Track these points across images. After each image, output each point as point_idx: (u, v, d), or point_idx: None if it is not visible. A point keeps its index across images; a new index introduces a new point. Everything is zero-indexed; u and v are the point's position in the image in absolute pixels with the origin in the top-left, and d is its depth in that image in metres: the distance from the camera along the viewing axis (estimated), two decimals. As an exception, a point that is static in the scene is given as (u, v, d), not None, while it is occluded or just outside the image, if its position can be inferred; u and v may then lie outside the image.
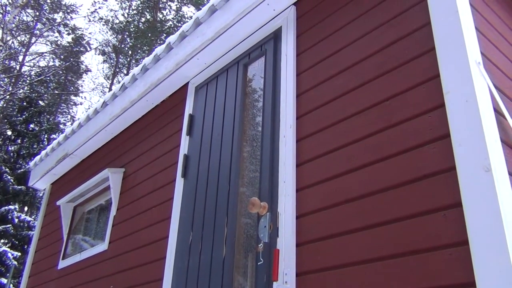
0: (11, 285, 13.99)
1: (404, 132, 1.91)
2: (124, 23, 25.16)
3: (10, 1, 17.93)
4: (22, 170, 15.90)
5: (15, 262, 14.65)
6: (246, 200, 2.58)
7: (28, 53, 21.63)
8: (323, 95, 2.37)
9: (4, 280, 12.84)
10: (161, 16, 25.01)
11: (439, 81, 1.82)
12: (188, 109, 3.44)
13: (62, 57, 23.76)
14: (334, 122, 2.24)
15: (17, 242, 15.90)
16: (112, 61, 25.65)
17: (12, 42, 19.63)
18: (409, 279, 1.66)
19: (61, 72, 23.16)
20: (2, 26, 17.51)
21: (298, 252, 2.11)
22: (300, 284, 2.04)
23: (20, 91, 19.15)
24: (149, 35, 23.42)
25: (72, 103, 25.14)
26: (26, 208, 17.36)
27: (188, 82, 3.61)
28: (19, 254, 15.28)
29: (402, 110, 1.95)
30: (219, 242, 2.58)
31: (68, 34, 23.66)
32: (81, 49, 24.70)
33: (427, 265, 1.62)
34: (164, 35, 23.08)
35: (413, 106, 1.91)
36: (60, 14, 23.39)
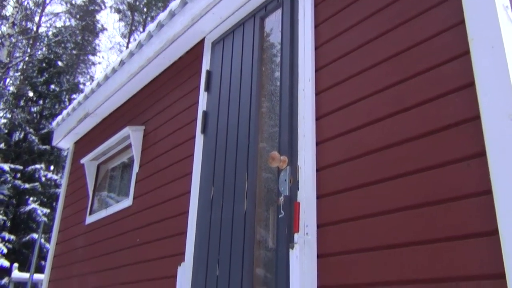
0: (42, 240, 14.60)
1: (425, 82, 1.86)
2: (138, -21, 24.71)
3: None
4: (45, 130, 16.23)
5: (45, 219, 15.22)
6: (266, 154, 2.59)
7: (43, 13, 21.54)
8: (342, 47, 2.31)
9: (35, 235, 13.39)
10: (174, -30, 24.40)
11: (464, 28, 1.75)
12: (205, 65, 3.41)
13: (77, 16, 23.62)
14: (354, 73, 2.20)
15: (45, 200, 16.45)
16: (127, 19, 25.40)
17: (27, 3, 19.55)
18: (431, 229, 1.66)
19: (77, 32, 23.09)
20: (16, -14, 17.41)
21: (319, 204, 2.13)
22: (321, 235, 2.07)
23: (39, 53, 19.24)
24: (164, -10, 23.00)
25: (90, 63, 25.20)
26: (52, 167, 17.85)
27: (204, 38, 3.56)
28: (48, 210, 15.83)
29: (424, 60, 1.89)
30: (240, 197, 2.62)
31: (82, -8, 23.41)
32: (96, 7, 24.47)
33: (450, 215, 1.62)
34: (179, -10, 22.59)
35: (436, 55, 1.85)
36: (73, -28, 23.07)
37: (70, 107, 5.41)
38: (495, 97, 1.56)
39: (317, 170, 2.20)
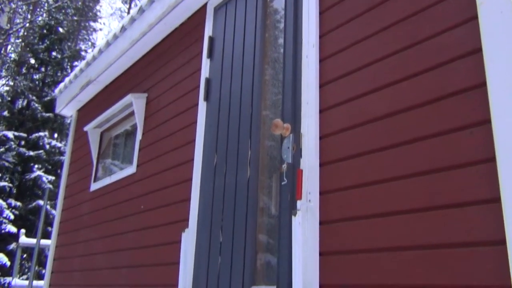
0: (48, 206, 14.80)
1: (431, 48, 1.83)
2: None
3: None
4: (48, 97, 16.21)
5: (50, 185, 15.39)
6: (269, 122, 2.59)
7: (43, -22, 21.14)
8: (347, 12, 2.26)
9: (41, 202, 13.57)
10: None
11: (473, -8, 1.71)
12: (208, 31, 3.36)
13: (77, -19, 23.17)
14: (359, 40, 2.16)
15: (50, 167, 16.58)
16: (128, -17, 24.92)
17: (26, -33, 19.17)
18: (433, 195, 1.67)
19: (77, -3, 22.70)
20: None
21: (321, 172, 2.14)
22: (323, 202, 2.08)
23: (39, 19, 18.99)
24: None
25: (91, 29, 24.90)
26: (56, 135, 17.91)
27: (206, 3, 3.49)
28: (53, 178, 15.98)
29: (430, 25, 1.85)
30: (243, 164, 2.63)
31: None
32: (97, -28, 23.98)
33: (453, 182, 1.62)
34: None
35: (442, 20, 1.81)
36: None
37: (72, 74, 5.38)
38: (503, 64, 1.53)
39: (320, 138, 2.19)
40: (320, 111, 2.23)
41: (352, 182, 1.98)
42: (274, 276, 2.26)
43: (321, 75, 2.29)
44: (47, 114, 15.84)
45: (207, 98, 3.16)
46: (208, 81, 3.20)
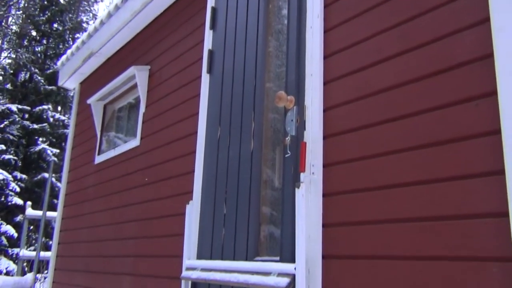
0: (53, 179, 14.93)
1: (436, 19, 1.80)
2: None
3: None
4: (51, 70, 16.14)
5: (55, 158, 15.48)
6: (272, 94, 2.57)
7: None
8: (353, -19, 2.21)
9: (47, 175, 13.69)
10: None
11: (482, -41, 1.66)
12: (210, 1, 3.30)
13: (77, -50, 22.72)
14: (364, 10, 2.12)
15: (54, 140, 16.65)
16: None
17: None
18: (437, 168, 1.67)
19: (78, -33, 22.30)
20: None
21: (325, 144, 2.13)
22: (326, 174, 2.09)
23: (40, -11, 18.72)
24: None
25: (92, 0, 24.55)
26: (59, 108, 17.92)
27: (209, -28, 3.42)
28: (58, 151, 16.07)
29: (439, -6, 1.81)
30: (247, 137, 2.63)
31: None
32: None
33: (457, 154, 1.62)
34: None
35: (451, -11, 1.77)
36: None
37: (74, 47, 5.33)
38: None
39: (324, 110, 2.18)
40: (324, 83, 2.21)
41: (356, 155, 1.98)
42: (277, 247, 2.29)
43: (325, 47, 2.26)
44: (50, 87, 15.81)
45: (210, 70, 3.13)
46: (211, 53, 3.16)
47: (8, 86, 16.04)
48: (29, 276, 3.30)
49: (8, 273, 13.31)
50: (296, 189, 2.08)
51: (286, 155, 2.29)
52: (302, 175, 2.11)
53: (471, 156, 1.57)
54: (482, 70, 1.60)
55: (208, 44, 3.21)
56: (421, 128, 1.75)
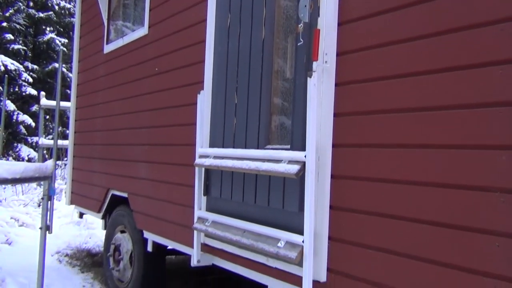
0: (64, 69, 14.93)
1: None
2: None
3: None
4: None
5: (64, 48, 15.32)
6: (285, -22, 2.41)
7: None
8: None
9: (57, 65, 13.67)
10: None
11: None
12: None
13: None
14: None
15: (62, 29, 16.33)
16: None
17: None
18: (457, 55, 1.60)
19: None
20: None
21: (340, 32, 2.05)
22: (340, 63, 2.03)
23: None
24: None
25: None
26: (64, -5, 17.28)
27: None
28: (66, 40, 15.84)
29: None
30: (258, 24, 2.53)
31: None
32: None
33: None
34: None
35: None
36: None
37: None
38: None
39: (340, -5, 2.05)
40: (341, -35, 2.06)
41: (372, 42, 1.90)
42: (288, 137, 2.32)
43: None
44: (52, -29, 15.11)
45: (219, -49, 2.92)
46: None
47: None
48: (49, 162, 3.43)
49: (30, 160, 13.96)
50: (308, 78, 2.04)
51: (298, 44, 2.22)
52: (314, 64, 2.06)
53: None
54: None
55: None
56: (444, 13, 1.65)
